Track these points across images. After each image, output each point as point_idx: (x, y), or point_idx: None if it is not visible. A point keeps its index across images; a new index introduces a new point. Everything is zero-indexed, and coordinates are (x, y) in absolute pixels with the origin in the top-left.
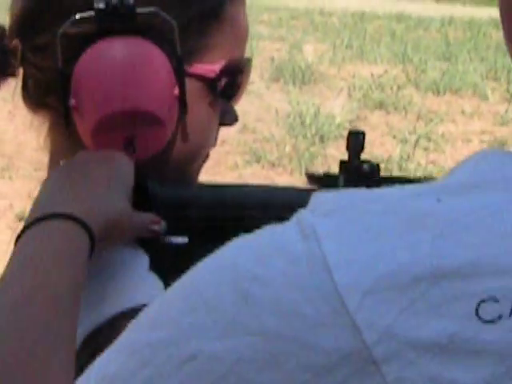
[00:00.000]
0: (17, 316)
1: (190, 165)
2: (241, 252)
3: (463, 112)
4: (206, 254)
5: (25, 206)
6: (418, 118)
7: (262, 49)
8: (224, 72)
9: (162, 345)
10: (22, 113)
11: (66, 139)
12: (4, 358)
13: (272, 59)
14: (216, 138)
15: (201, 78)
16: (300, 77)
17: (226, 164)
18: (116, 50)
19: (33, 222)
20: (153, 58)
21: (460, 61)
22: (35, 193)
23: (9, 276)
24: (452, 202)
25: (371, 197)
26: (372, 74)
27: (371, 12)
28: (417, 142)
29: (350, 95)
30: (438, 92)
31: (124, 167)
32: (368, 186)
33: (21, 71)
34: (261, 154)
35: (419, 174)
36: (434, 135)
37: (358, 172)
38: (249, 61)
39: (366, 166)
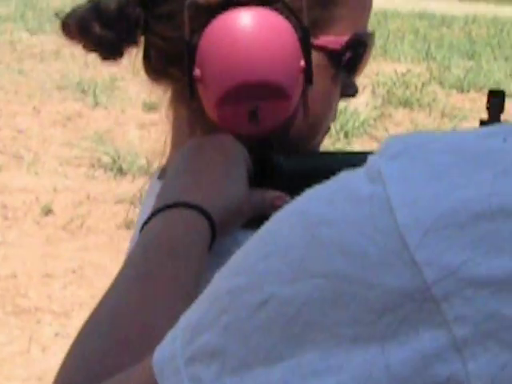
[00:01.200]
0: (136, 295)
1: (311, 139)
2: (312, 198)
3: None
4: None
5: (51, 200)
6: (443, 115)
7: None
8: (349, 45)
9: (239, 291)
10: (47, 109)
11: (188, 110)
12: (121, 326)
13: None
14: (336, 112)
15: (326, 50)
16: None
17: None
18: (243, 21)
19: (157, 210)
20: (280, 30)
21: (484, 58)
22: (60, 187)
23: (132, 261)
24: None
25: (437, 137)
26: (396, 72)
27: (394, 10)
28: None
29: (373, 92)
30: (462, 89)
31: (237, 151)
32: None
33: (142, 40)
34: None
35: None
36: None
37: None
38: (372, 34)
39: None
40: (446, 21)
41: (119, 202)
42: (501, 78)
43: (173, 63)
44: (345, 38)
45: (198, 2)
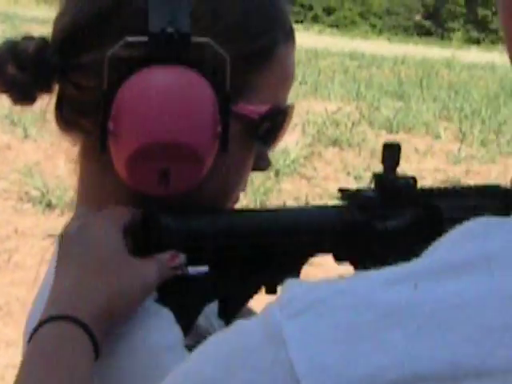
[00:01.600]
0: None
1: (219, 206)
2: (209, 359)
3: (416, 150)
4: (227, 283)
5: None
6: (372, 155)
7: None
8: (268, 116)
9: None
10: None
11: (97, 164)
12: None
13: None
14: (246, 182)
15: (244, 118)
16: None
17: None
18: (164, 79)
19: (38, 325)
20: (200, 92)
21: (413, 99)
22: None
23: (21, 376)
24: (430, 290)
25: (342, 289)
26: (326, 110)
27: (325, 49)
28: (372, 179)
29: (304, 131)
30: (392, 130)
31: (112, 236)
32: (403, 201)
33: (56, 88)
34: None
35: None
36: None
37: (393, 187)
38: (291, 107)
39: (401, 181)
40: (375, 61)
41: (48, 236)
42: (429, 119)
43: (85, 115)
44: (264, 109)
45: (120, 55)
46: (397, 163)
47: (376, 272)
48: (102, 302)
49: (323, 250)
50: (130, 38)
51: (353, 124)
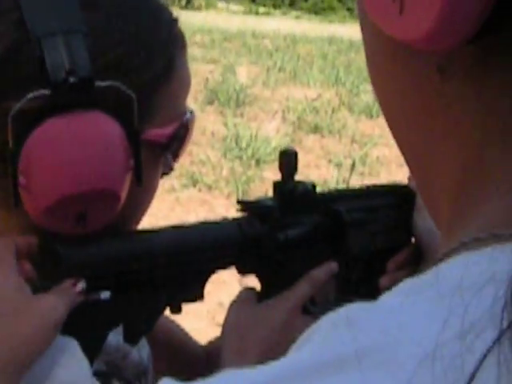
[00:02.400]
0: None
1: (134, 222)
2: None
3: None
4: (129, 307)
5: None
6: (353, 141)
7: (196, 71)
8: (176, 135)
9: None
10: None
11: (2, 208)
12: None
13: (206, 81)
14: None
15: (152, 144)
16: (234, 99)
17: (163, 187)
18: (70, 128)
19: None
20: (109, 134)
21: None
22: None
23: None
24: None
25: None
26: (306, 97)
27: (303, 34)
28: (353, 166)
29: (284, 118)
30: (372, 115)
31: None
32: (303, 208)
33: None
34: (197, 177)
35: None
36: (369, 159)
37: (292, 194)
38: (192, 116)
39: (300, 187)
40: (354, 46)
41: None
42: None
43: None
44: (169, 130)
45: (22, 108)
46: (295, 169)
47: (243, 374)
48: (5, 357)
49: (226, 264)
50: (33, 94)
51: (333, 110)
